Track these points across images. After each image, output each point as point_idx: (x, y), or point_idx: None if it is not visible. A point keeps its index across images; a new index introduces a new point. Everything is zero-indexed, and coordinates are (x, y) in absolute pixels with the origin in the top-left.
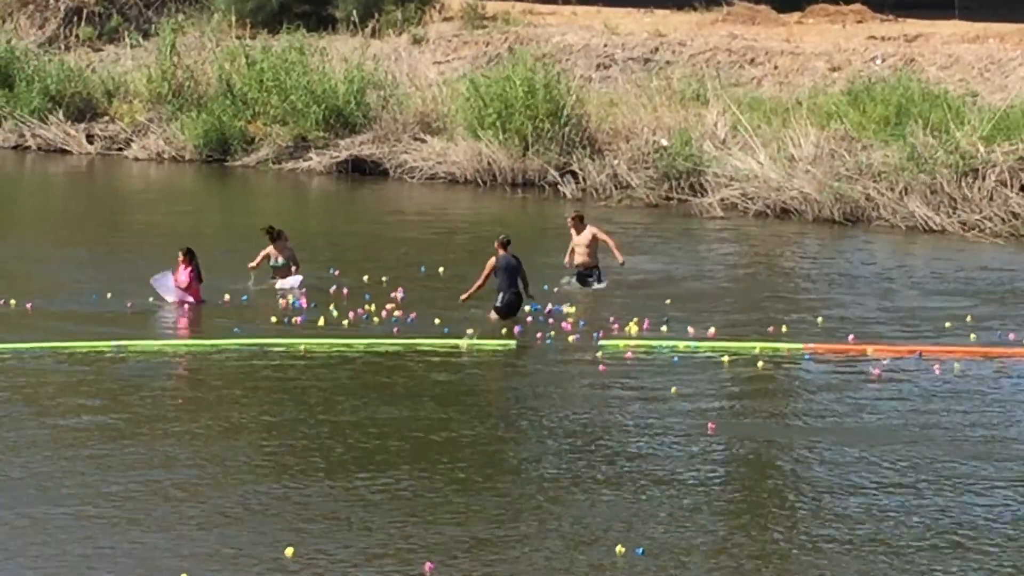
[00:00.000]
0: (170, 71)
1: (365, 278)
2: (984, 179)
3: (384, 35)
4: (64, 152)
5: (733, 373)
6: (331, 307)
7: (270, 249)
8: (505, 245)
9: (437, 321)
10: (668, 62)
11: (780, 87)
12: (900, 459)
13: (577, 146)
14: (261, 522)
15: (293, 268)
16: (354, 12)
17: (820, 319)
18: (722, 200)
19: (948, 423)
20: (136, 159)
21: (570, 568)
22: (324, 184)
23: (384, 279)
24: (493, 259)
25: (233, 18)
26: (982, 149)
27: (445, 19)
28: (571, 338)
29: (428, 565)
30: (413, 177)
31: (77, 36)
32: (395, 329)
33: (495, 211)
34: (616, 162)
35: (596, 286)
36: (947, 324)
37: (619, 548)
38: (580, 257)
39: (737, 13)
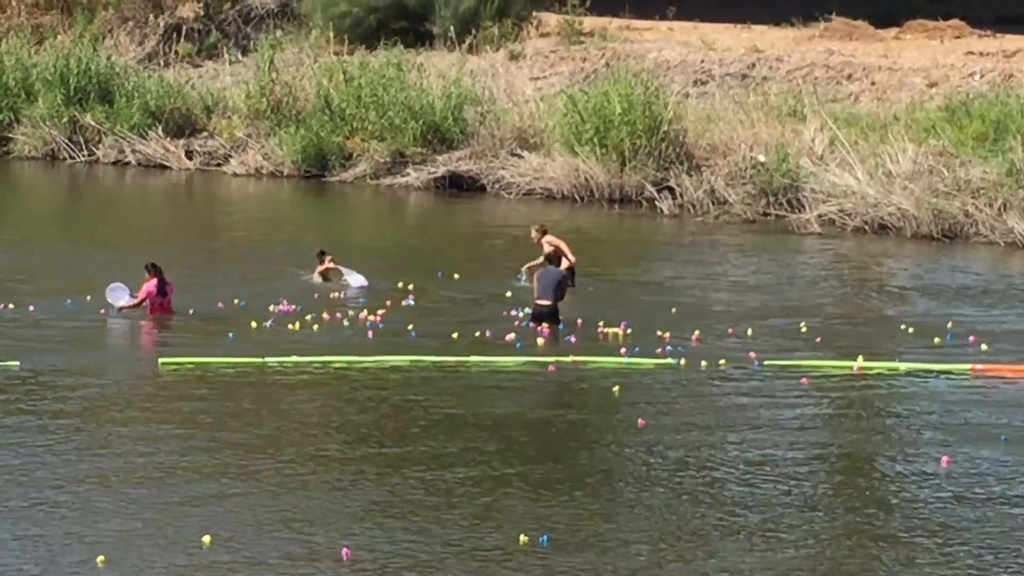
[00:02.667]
0: (269, 87)
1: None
2: None
3: (481, 51)
4: (163, 168)
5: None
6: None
7: (319, 271)
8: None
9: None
10: (765, 78)
11: (878, 103)
12: None
13: (674, 162)
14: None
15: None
16: (452, 28)
17: (937, 339)
18: (820, 216)
19: None
20: (235, 175)
21: None
22: (421, 200)
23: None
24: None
25: (331, 34)
26: None
27: (542, 35)
28: (721, 362)
29: (345, 551)
30: (510, 193)
31: (176, 52)
32: (370, 334)
33: (592, 227)
34: (713, 178)
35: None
36: None
37: (523, 538)
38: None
39: (835, 29)
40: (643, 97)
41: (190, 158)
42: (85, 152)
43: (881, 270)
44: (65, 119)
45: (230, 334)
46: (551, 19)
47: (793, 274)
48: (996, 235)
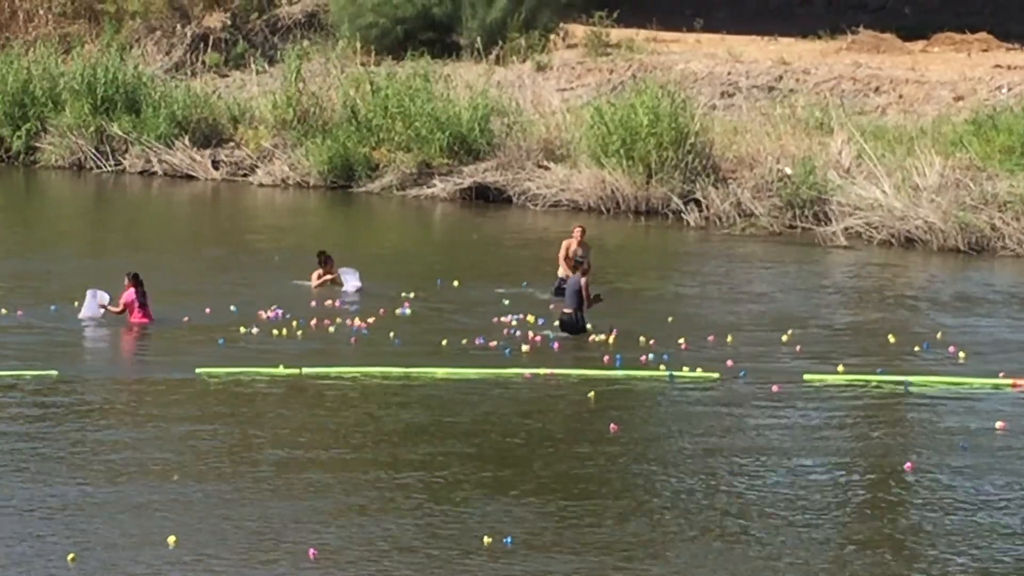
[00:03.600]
0: (295, 97)
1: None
2: None
3: (508, 62)
4: (190, 177)
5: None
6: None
7: (319, 271)
8: (577, 266)
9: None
10: (792, 90)
11: (905, 116)
12: None
13: (701, 174)
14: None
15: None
16: (478, 39)
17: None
18: (846, 229)
19: None
20: (261, 185)
21: None
22: (447, 211)
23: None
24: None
25: (358, 45)
26: None
27: (569, 46)
28: (774, 387)
29: (312, 551)
30: (536, 204)
31: (203, 62)
32: (352, 340)
33: (618, 239)
34: (740, 190)
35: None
36: None
37: (486, 539)
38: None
39: (862, 41)
40: (670, 109)
41: (216, 168)
42: (112, 162)
43: (906, 283)
44: (92, 129)
45: (221, 340)
46: (578, 30)
47: (817, 285)
48: (1023, 248)
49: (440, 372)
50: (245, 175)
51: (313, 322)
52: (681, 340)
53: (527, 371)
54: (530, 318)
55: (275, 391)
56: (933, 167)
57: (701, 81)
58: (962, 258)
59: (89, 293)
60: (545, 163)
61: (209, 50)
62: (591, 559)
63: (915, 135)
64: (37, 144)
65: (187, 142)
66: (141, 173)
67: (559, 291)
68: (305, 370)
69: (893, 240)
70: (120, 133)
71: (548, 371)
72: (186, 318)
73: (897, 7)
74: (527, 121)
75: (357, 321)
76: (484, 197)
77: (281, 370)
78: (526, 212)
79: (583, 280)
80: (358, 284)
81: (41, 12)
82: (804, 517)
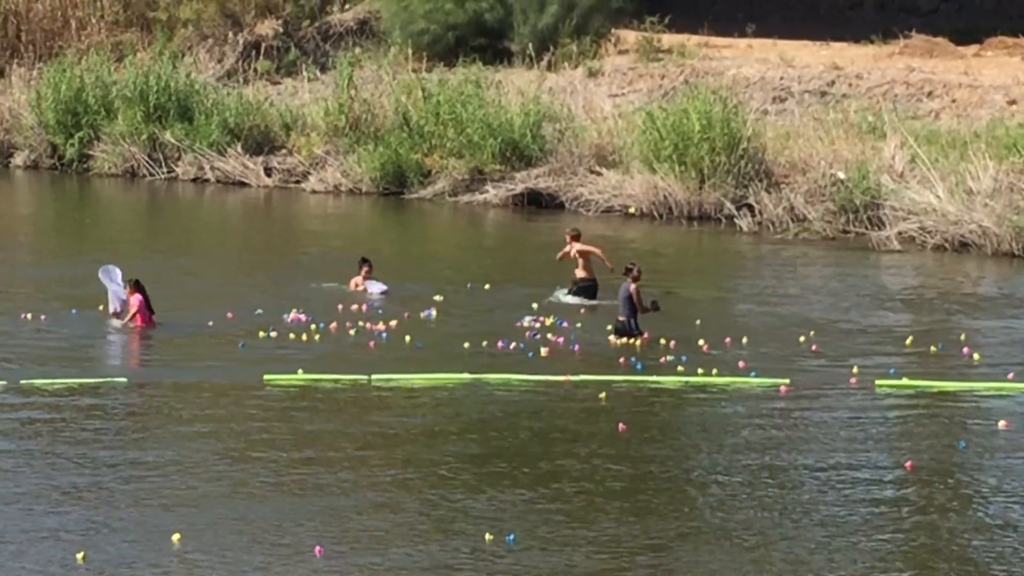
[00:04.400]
0: (347, 104)
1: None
2: None
3: (560, 68)
4: (242, 185)
5: None
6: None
7: (358, 279)
8: (627, 272)
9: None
10: (845, 95)
11: (958, 120)
12: None
13: (753, 179)
14: None
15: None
16: (530, 45)
17: None
18: (900, 234)
19: None
20: (313, 192)
21: None
22: (500, 217)
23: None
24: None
25: (410, 51)
26: None
27: (620, 52)
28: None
29: (318, 549)
30: (588, 210)
31: (255, 70)
32: (372, 344)
33: (670, 244)
34: (793, 195)
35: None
36: None
37: (488, 536)
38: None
39: (915, 46)
40: (722, 114)
41: (269, 175)
42: (164, 169)
43: (961, 287)
44: (144, 136)
45: (241, 344)
46: (629, 36)
47: (859, 289)
48: None
49: (515, 378)
50: (297, 182)
51: (333, 326)
52: (701, 342)
53: (614, 377)
54: (548, 320)
55: (339, 396)
56: (987, 171)
57: (753, 86)
58: (1016, 262)
59: (103, 274)
60: (597, 168)
61: (261, 57)
62: (598, 556)
63: (968, 139)
64: (90, 152)
65: (239, 149)
66: (194, 180)
67: (579, 291)
68: (374, 376)
69: (947, 244)
70: (172, 140)
71: (626, 379)
72: (211, 322)
73: (949, 11)
74: (579, 127)
75: (380, 325)
76: (536, 203)
77: (350, 377)
78: (578, 218)
79: (633, 287)
80: (383, 287)
81: (94, 21)
82: (800, 516)
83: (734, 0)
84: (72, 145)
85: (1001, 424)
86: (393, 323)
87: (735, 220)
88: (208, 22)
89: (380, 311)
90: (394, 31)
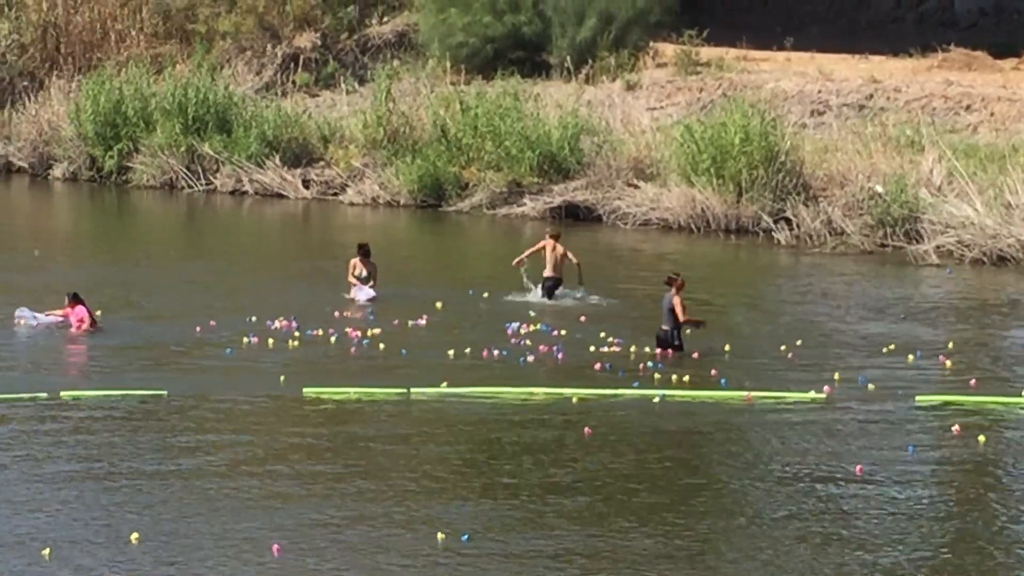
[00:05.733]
0: (385, 116)
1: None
2: None
3: (598, 81)
4: (281, 197)
5: None
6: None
7: (356, 261)
8: (669, 282)
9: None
10: (883, 108)
11: (996, 134)
12: None
13: (791, 192)
14: None
15: (371, 282)
16: (568, 58)
17: None
18: (938, 247)
19: None
20: (351, 204)
21: None
22: (538, 229)
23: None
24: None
25: (448, 64)
26: None
27: (659, 65)
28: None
29: (275, 547)
30: (626, 223)
31: (294, 82)
32: (352, 350)
33: (708, 257)
34: (831, 208)
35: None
36: None
37: (439, 535)
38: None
39: (953, 59)
40: (760, 127)
41: (307, 187)
42: (203, 181)
43: (999, 301)
44: (183, 148)
45: (228, 350)
46: (668, 49)
47: (916, 304)
48: None
49: (575, 393)
50: (335, 194)
51: (318, 333)
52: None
53: (657, 392)
54: (533, 327)
55: (380, 409)
56: None
57: (791, 99)
58: None
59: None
60: (635, 182)
61: (299, 70)
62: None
63: (1007, 153)
64: (129, 164)
65: (278, 161)
66: (232, 193)
67: (544, 290)
68: (413, 390)
69: (985, 258)
70: (211, 153)
71: (659, 393)
72: (198, 328)
73: (988, 25)
74: (617, 140)
75: (358, 332)
76: (574, 215)
77: (390, 390)
78: (616, 230)
79: (676, 298)
80: (371, 293)
81: (133, 33)
82: (766, 523)
83: (772, 13)
84: (111, 157)
85: (955, 429)
86: (377, 331)
87: (773, 233)
88: (247, 35)
89: (372, 317)
90: (432, 44)
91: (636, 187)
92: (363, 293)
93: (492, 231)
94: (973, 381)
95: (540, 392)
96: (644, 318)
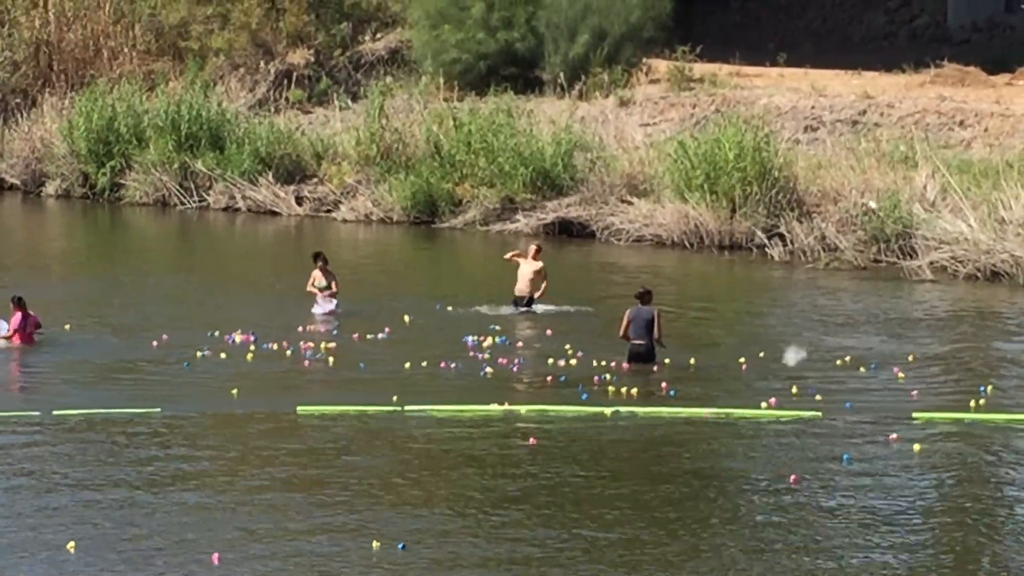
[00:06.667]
0: (379, 133)
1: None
2: None
3: (591, 97)
4: (274, 214)
5: None
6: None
7: (316, 272)
8: (640, 297)
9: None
10: (876, 124)
11: (990, 149)
12: None
13: (785, 208)
14: None
15: (331, 291)
16: (561, 75)
17: None
18: (931, 263)
19: None
20: (344, 221)
21: None
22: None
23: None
24: (628, 311)
25: (441, 80)
26: None
27: (652, 81)
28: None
29: (215, 556)
30: (619, 239)
31: (287, 99)
32: (306, 363)
33: (702, 273)
34: (824, 224)
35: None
36: None
37: (375, 543)
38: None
39: (946, 75)
40: (753, 143)
41: (300, 204)
42: (196, 198)
43: (992, 317)
44: (176, 165)
45: (186, 364)
46: (661, 65)
47: (910, 318)
48: None
49: (558, 409)
50: (328, 211)
51: (274, 346)
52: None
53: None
54: (489, 340)
55: (367, 426)
56: (1019, 200)
57: (784, 115)
58: None
59: None
60: (628, 198)
61: (292, 87)
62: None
63: (1001, 168)
64: (122, 181)
65: (271, 178)
66: (225, 209)
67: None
68: (407, 408)
69: (979, 274)
70: (204, 170)
71: (648, 409)
72: (155, 343)
73: (981, 40)
74: (610, 156)
75: (310, 344)
76: (567, 232)
77: (380, 408)
78: (610, 247)
79: (656, 311)
80: (330, 306)
81: (126, 50)
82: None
83: (765, 29)
84: (104, 174)
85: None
86: (332, 344)
87: (766, 249)
88: (240, 51)
89: (335, 332)
90: (425, 60)
91: (630, 203)
92: (320, 308)
93: (485, 247)
94: (915, 392)
95: (523, 409)
96: (611, 332)
